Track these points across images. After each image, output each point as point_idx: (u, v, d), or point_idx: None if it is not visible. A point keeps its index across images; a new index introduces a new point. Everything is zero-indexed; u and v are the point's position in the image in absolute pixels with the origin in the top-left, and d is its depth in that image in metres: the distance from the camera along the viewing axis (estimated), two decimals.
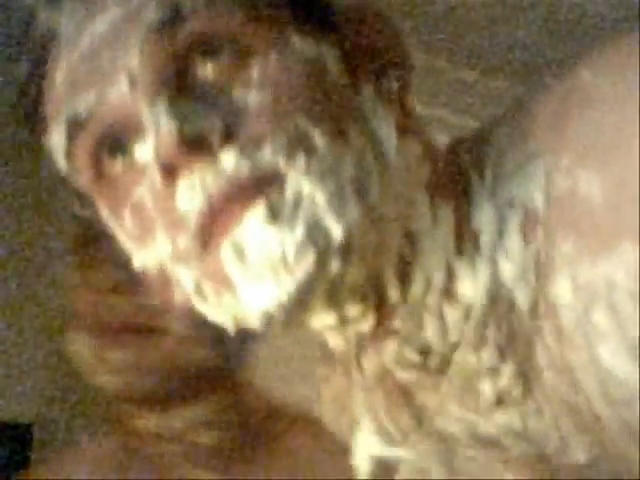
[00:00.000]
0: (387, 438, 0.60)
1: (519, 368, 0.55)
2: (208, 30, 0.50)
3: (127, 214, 0.52)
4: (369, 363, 0.57)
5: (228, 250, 0.49)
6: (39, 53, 0.54)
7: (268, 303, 0.49)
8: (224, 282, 0.50)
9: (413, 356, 0.55)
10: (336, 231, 0.49)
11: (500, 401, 0.55)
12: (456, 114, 1.79)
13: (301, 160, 0.49)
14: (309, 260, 0.49)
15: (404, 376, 0.56)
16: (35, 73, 0.55)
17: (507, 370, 0.55)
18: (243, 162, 0.48)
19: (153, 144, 0.48)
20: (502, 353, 0.54)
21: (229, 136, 0.49)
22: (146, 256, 0.53)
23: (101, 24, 0.52)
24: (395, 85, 0.54)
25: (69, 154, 0.53)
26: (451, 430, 0.58)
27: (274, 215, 0.48)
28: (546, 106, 0.53)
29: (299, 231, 0.49)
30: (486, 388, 0.55)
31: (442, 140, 0.58)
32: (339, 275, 0.50)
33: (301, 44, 0.52)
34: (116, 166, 0.52)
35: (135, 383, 0.79)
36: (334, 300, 0.52)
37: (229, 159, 0.48)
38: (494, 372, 0.55)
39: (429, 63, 1.79)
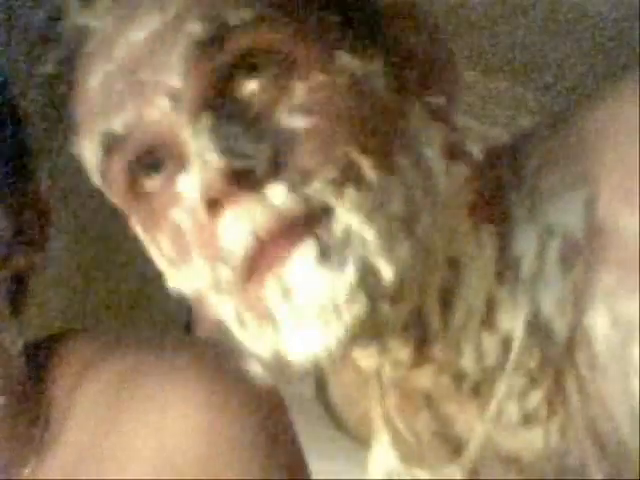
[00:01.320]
0: (404, 452, 0.58)
1: (548, 392, 0.55)
2: (253, 45, 0.48)
3: (163, 236, 0.50)
4: (394, 380, 0.56)
5: (273, 287, 0.47)
6: (68, 52, 0.52)
7: (314, 348, 0.48)
8: (267, 317, 0.48)
9: (447, 381, 0.55)
10: (386, 272, 0.47)
11: (525, 421, 0.56)
12: (456, 114, 1.78)
13: (350, 194, 0.47)
14: (359, 305, 0.47)
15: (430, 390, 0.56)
16: (63, 72, 0.52)
17: (536, 395, 0.55)
18: (292, 197, 0.46)
19: (198, 178, 0.46)
20: (533, 379, 0.55)
21: (276, 168, 0.46)
22: (182, 279, 0.51)
23: (139, 31, 0.48)
24: (442, 100, 0.52)
25: (103, 170, 0.51)
26: (471, 444, 0.56)
27: (323, 255, 0.46)
28: (583, 133, 0.52)
29: (349, 274, 0.46)
30: (513, 410, 0.55)
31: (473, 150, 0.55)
32: (388, 316, 0.48)
33: (347, 59, 0.49)
34: (153, 184, 0.50)
35: None
36: (378, 336, 0.50)
37: (277, 194, 0.46)
38: (523, 396, 0.55)
39: None
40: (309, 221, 0.47)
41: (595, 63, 1.88)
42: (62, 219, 1.35)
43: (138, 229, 0.53)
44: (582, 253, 0.52)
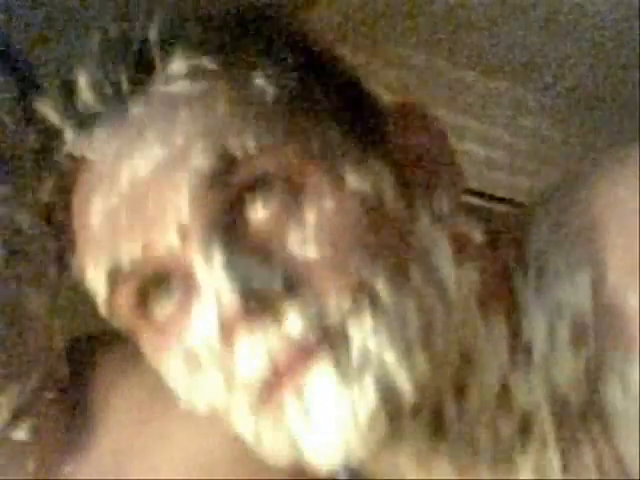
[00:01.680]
0: None
1: (563, 457, 0.55)
2: (260, 174, 0.46)
3: (175, 359, 0.49)
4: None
5: (292, 409, 0.46)
6: (64, 182, 0.50)
7: (335, 461, 0.47)
8: (286, 433, 0.47)
9: (465, 462, 0.54)
10: (407, 388, 0.47)
11: None
12: (456, 114, 1.78)
13: (367, 316, 0.46)
14: (381, 425, 0.46)
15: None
16: (60, 194, 0.51)
17: (552, 460, 0.55)
18: (307, 322, 0.45)
19: (212, 309, 0.45)
20: (549, 452, 0.54)
21: (290, 292, 0.45)
22: (195, 398, 0.50)
23: (142, 164, 0.47)
24: (447, 205, 0.52)
25: (109, 301, 0.49)
26: None
27: (342, 377, 0.46)
28: (586, 213, 0.53)
29: (370, 393, 0.46)
30: (528, 477, 0.55)
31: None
32: (408, 426, 0.48)
33: (357, 181, 0.48)
34: (162, 312, 0.48)
35: None
36: (397, 442, 0.50)
37: (293, 319, 0.45)
38: (539, 466, 0.55)
39: (429, 63, 1.79)
40: (326, 345, 0.46)
41: (595, 63, 1.88)
42: None
43: (147, 351, 0.51)
44: (591, 332, 0.52)
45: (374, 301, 0.47)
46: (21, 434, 0.59)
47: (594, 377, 0.53)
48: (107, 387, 0.65)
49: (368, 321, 0.46)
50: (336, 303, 0.46)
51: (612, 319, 0.52)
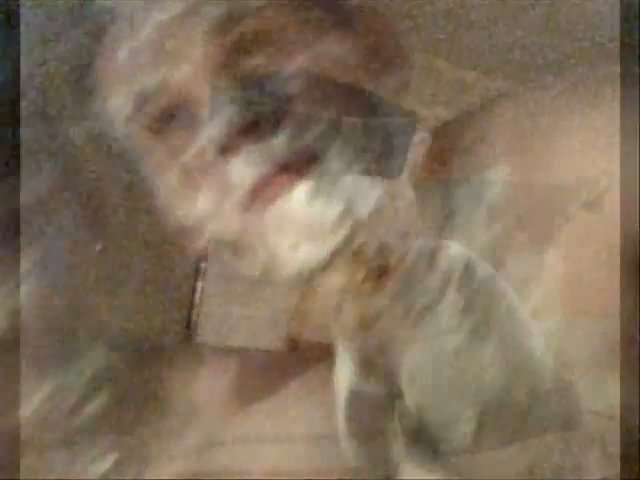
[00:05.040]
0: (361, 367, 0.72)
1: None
2: (255, 29, 0.59)
3: (174, 174, 0.62)
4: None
5: (271, 217, 0.59)
6: (95, 28, 0.62)
7: (303, 265, 0.59)
8: (262, 242, 0.59)
9: (398, 311, 0.67)
10: (363, 209, 0.60)
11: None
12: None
13: (336, 145, 0.59)
14: (342, 233, 0.58)
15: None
16: (90, 46, 0.63)
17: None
18: (290, 146, 0.58)
19: (216, 126, 0.57)
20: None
21: (277, 122, 0.58)
22: (187, 210, 0.62)
23: (163, 14, 0.59)
24: (395, 83, 0.68)
25: (130, 120, 0.63)
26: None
27: (315, 192, 0.58)
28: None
29: (335, 208, 0.58)
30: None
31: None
32: (360, 245, 0.60)
33: (328, 44, 0.61)
34: (170, 132, 0.62)
35: None
36: (351, 265, 0.62)
37: (278, 142, 0.58)
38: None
39: (429, 63, 1.80)
40: (303, 165, 0.59)
41: (595, 63, 1.88)
42: (62, 219, 1.35)
43: (150, 169, 0.64)
44: None
45: (341, 135, 0.58)
46: (103, 399, 0.67)
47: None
48: (182, 385, 0.69)
49: (337, 149, 0.58)
50: (312, 133, 0.58)
51: None
